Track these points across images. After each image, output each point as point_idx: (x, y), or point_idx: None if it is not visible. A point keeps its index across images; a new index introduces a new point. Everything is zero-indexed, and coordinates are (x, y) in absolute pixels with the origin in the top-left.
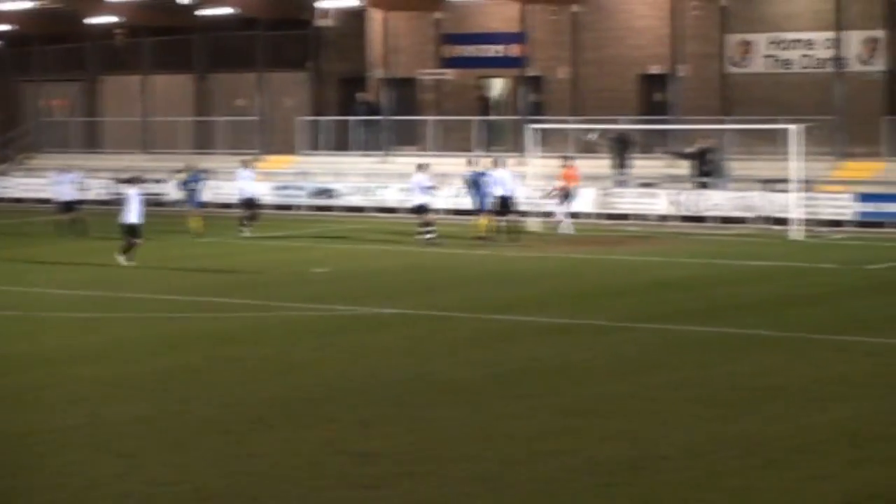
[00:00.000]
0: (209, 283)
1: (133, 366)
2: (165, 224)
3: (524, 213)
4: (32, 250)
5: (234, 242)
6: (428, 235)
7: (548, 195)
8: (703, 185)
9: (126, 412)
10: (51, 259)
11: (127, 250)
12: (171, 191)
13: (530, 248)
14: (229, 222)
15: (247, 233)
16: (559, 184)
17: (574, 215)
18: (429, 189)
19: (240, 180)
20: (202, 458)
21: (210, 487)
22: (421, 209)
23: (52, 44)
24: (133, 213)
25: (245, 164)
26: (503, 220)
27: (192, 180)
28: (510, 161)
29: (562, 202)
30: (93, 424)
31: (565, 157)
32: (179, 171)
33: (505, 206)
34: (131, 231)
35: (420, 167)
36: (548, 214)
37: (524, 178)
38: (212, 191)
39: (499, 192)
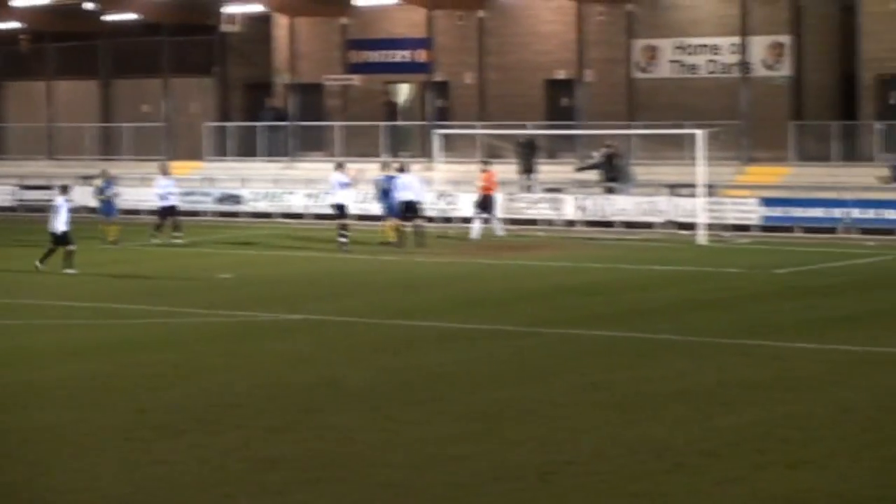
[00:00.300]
0: (114, 289)
1: (38, 373)
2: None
3: (431, 219)
4: None
5: (139, 249)
6: (342, 240)
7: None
8: (610, 190)
9: (32, 419)
10: None
11: (67, 259)
12: (77, 197)
13: (437, 254)
14: (136, 228)
15: (179, 241)
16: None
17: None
18: (346, 185)
19: (159, 187)
20: (108, 465)
21: (116, 494)
22: (340, 209)
23: None
24: (62, 221)
25: (163, 171)
26: (410, 225)
27: (106, 188)
28: (416, 166)
29: (483, 209)
30: None
31: (484, 162)
32: (95, 178)
33: (412, 210)
34: (61, 239)
35: (338, 166)
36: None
37: (430, 184)
38: (117, 197)
39: (406, 196)
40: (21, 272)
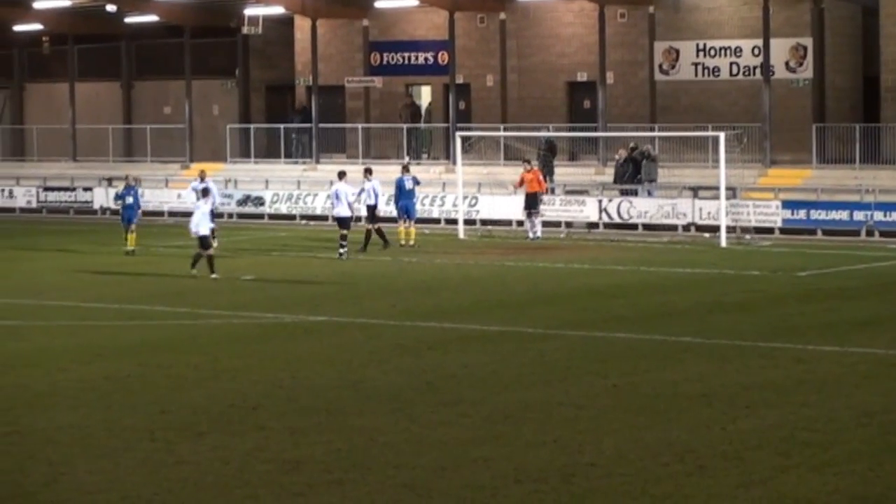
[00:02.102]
0: (137, 291)
1: (61, 374)
2: (93, 232)
3: (454, 221)
4: None
5: (160, 251)
6: (341, 251)
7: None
8: (633, 192)
9: (55, 420)
10: None
11: (210, 262)
12: (99, 199)
13: (458, 256)
14: (157, 230)
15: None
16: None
17: (497, 223)
18: (351, 201)
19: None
20: (131, 465)
21: (138, 495)
22: (346, 221)
23: None
24: (203, 225)
25: (202, 176)
26: (374, 228)
27: (126, 193)
28: (438, 168)
29: (530, 212)
30: (21, 433)
31: (526, 161)
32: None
33: (375, 214)
34: (202, 242)
35: (341, 175)
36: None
37: (449, 186)
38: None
39: (371, 201)
40: (38, 273)
